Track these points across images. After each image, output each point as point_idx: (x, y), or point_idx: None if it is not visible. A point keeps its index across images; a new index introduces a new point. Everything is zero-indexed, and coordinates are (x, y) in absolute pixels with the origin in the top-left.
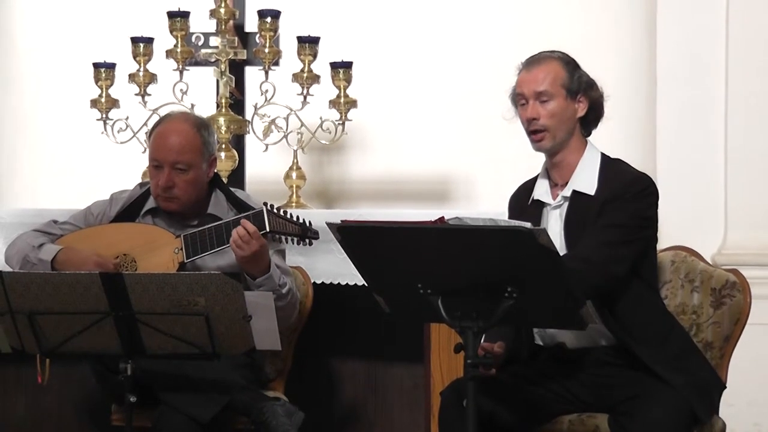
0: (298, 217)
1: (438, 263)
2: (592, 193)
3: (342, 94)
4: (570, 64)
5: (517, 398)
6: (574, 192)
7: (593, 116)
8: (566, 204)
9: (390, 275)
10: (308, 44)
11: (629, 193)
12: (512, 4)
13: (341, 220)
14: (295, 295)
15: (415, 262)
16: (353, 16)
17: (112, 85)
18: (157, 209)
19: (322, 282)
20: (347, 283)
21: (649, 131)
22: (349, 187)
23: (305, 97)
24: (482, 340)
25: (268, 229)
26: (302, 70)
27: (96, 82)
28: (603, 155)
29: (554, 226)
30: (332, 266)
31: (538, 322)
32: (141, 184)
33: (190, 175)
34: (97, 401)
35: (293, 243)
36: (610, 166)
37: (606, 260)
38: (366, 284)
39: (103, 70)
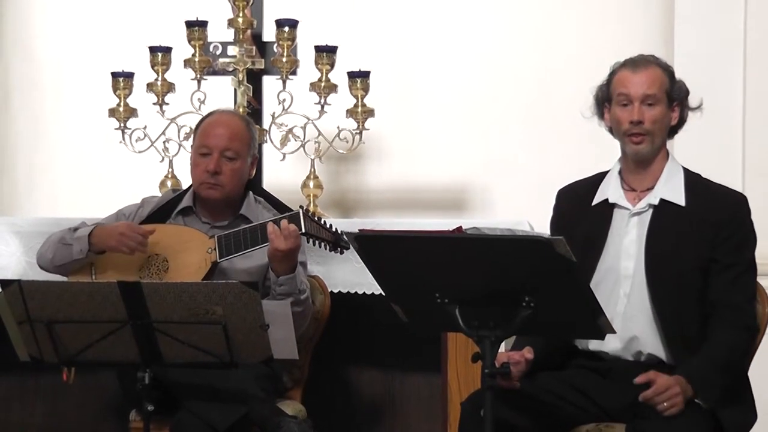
0: (331, 225)
1: (456, 273)
2: (682, 203)
3: (359, 103)
4: (668, 71)
5: (539, 410)
6: (662, 201)
7: (679, 126)
8: (650, 211)
9: (407, 284)
10: (326, 53)
11: (741, 216)
12: (528, 15)
13: (359, 229)
14: (310, 305)
15: (433, 272)
16: (371, 25)
17: (130, 94)
18: (188, 209)
19: (339, 291)
20: (364, 293)
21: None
22: (366, 196)
23: (323, 107)
24: (503, 348)
25: (303, 231)
26: (320, 80)
27: (114, 92)
28: (683, 167)
29: (632, 232)
30: (349, 275)
31: (556, 331)
32: (173, 190)
33: (237, 165)
34: (115, 408)
35: (326, 249)
36: (697, 179)
37: (750, 301)
38: (383, 293)
39: (122, 80)
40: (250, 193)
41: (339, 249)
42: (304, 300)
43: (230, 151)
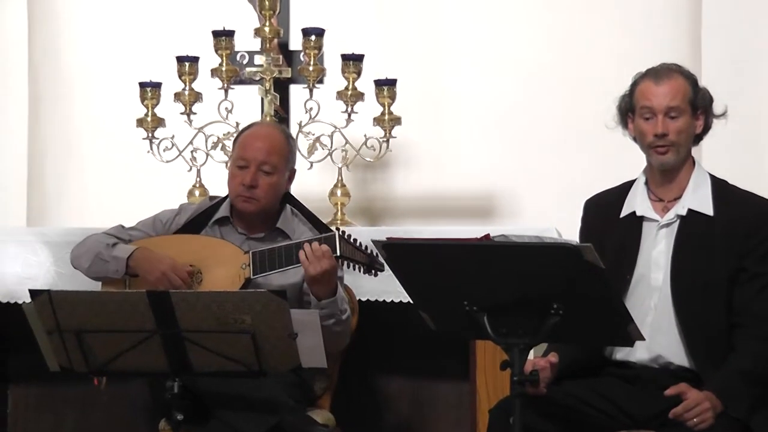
0: (366, 247)
1: (484, 280)
2: (710, 213)
3: (386, 111)
4: (691, 79)
5: (567, 417)
6: (690, 211)
7: (704, 133)
8: (678, 222)
9: (435, 292)
10: (352, 62)
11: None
12: (557, 24)
13: (387, 238)
14: (350, 323)
15: (461, 279)
16: (397, 33)
17: (157, 104)
18: (225, 219)
19: (368, 299)
20: (392, 301)
21: (694, 150)
22: (393, 204)
23: (349, 115)
24: (532, 356)
25: (338, 254)
26: (346, 88)
27: (142, 101)
28: (710, 174)
29: (660, 243)
30: (377, 283)
31: (585, 339)
32: (211, 197)
33: (274, 179)
34: (144, 417)
35: (359, 271)
36: (725, 187)
37: None
38: (411, 301)
39: (149, 90)
40: (287, 205)
41: (374, 271)
42: (345, 320)
43: (267, 165)
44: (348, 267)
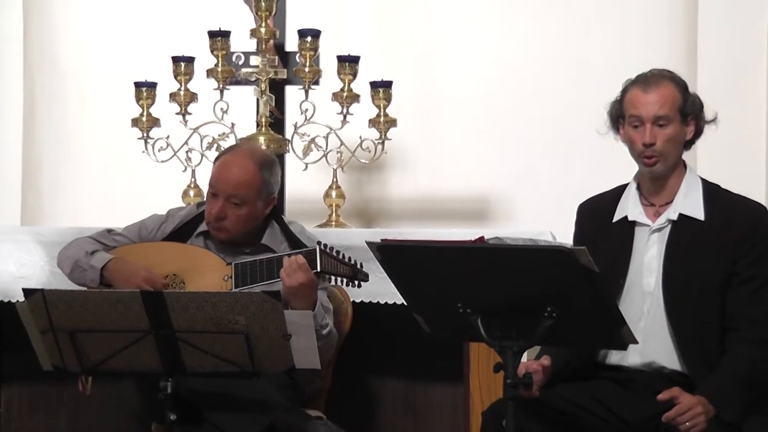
0: (349, 258)
1: (478, 283)
2: (701, 218)
3: (382, 113)
4: (681, 85)
5: (561, 420)
6: (681, 215)
7: (696, 138)
8: (669, 227)
9: (430, 294)
10: (348, 63)
11: (762, 228)
12: (551, 27)
13: (381, 239)
14: (334, 336)
15: (455, 282)
16: (393, 35)
17: (153, 104)
18: (209, 233)
19: (362, 301)
20: (386, 302)
21: (689, 154)
22: (388, 206)
23: (345, 116)
24: (525, 359)
25: (318, 269)
26: (342, 90)
27: (137, 101)
28: (702, 178)
29: (652, 248)
30: (372, 285)
31: (578, 342)
32: (199, 204)
33: (243, 211)
34: (137, 418)
35: (342, 284)
36: (716, 191)
37: None
38: (405, 303)
39: (145, 90)
40: (273, 222)
41: (357, 283)
42: (325, 335)
43: (236, 198)
44: (330, 281)
